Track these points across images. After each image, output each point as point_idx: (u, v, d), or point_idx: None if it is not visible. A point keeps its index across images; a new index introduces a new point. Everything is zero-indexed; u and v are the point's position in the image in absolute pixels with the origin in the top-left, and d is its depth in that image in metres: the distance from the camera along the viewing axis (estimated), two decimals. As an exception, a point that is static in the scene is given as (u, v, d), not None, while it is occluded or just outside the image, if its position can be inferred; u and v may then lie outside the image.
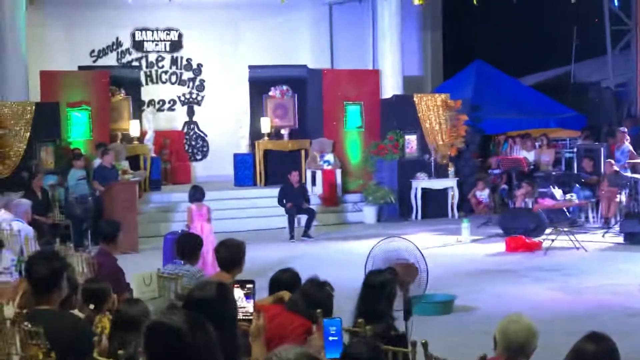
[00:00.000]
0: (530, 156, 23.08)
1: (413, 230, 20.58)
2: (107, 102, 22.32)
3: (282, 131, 24.60)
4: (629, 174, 20.87)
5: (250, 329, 4.72)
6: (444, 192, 23.46)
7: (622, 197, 20.48)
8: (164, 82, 25.89)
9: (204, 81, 26.17)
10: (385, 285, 6.90)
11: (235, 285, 4.79)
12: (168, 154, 24.65)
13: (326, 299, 6.82)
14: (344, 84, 24.11)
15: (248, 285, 4.76)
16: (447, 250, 17.91)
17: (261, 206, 21.81)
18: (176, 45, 26.11)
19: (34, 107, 20.50)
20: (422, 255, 7.78)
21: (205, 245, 12.80)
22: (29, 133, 20.28)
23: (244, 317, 4.69)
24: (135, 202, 19.28)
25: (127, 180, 19.66)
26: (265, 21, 26.36)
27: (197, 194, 15.73)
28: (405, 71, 26.04)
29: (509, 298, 13.14)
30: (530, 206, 20.63)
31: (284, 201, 20.12)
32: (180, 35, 26.12)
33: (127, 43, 25.70)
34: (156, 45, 25.96)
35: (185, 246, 9.25)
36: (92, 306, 7.17)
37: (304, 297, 6.59)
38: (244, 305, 4.72)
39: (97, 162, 20.14)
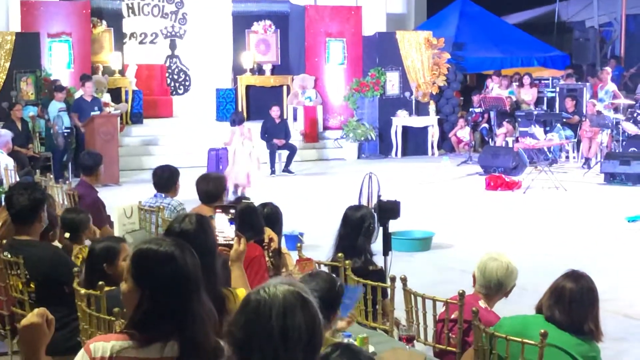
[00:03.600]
0: (505, 94, 23.06)
1: (393, 167, 20.65)
2: (88, 33, 22.09)
3: (265, 67, 24.51)
4: (611, 114, 20.90)
5: (230, 253, 4.76)
6: (424, 130, 23.50)
7: (603, 138, 20.55)
8: (146, 15, 25.60)
9: (186, 14, 25.92)
10: (364, 221, 6.93)
11: (218, 210, 4.82)
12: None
13: (259, 216, 6.84)
14: (327, 20, 23.98)
15: (231, 210, 4.79)
16: (426, 188, 17.96)
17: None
18: (158, -23, 25.83)
19: (14, 37, 20.31)
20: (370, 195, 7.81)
21: (243, 160, 16.70)
22: (8, 63, 20.08)
23: (225, 243, 4.73)
24: (117, 135, 19.20)
25: (108, 112, 19.58)
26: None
27: (238, 118, 17.66)
28: (388, 8, 25.87)
29: (487, 236, 13.22)
30: (510, 145, 20.70)
31: (266, 136, 20.16)
32: (162, -33, 25.84)
33: (108, -26, 25.42)
34: (138, -24, 25.69)
35: (162, 179, 9.21)
36: (67, 235, 7.16)
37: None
38: (227, 230, 4.75)
39: (78, 93, 20.02)
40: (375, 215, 7.43)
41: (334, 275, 5.58)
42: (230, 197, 15.56)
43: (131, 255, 3.51)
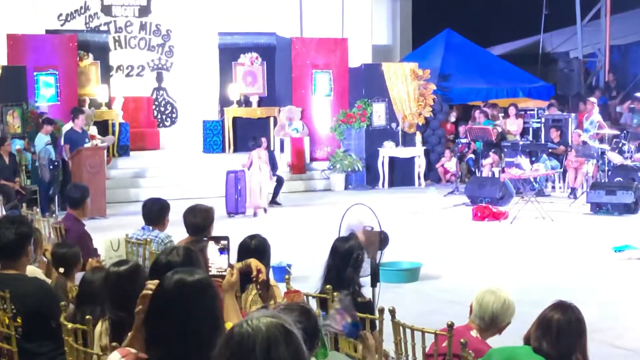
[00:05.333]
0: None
1: (380, 198, 20.66)
2: (75, 66, 22.11)
3: (251, 98, 24.56)
4: (596, 144, 20.99)
5: (222, 284, 4.77)
6: (410, 160, 23.55)
7: (589, 168, 20.62)
8: (132, 48, 25.67)
9: (173, 47, 26.00)
10: (352, 252, 6.92)
11: (210, 240, 4.83)
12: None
13: None
14: (313, 52, 24.09)
15: (222, 242, 4.80)
16: (414, 218, 17.97)
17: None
18: (145, 10, 25.88)
19: (0, 70, 20.30)
20: (379, 223, 7.79)
21: (259, 182, 18.62)
22: (-5, 96, 20.09)
23: (217, 273, 4.74)
24: (104, 168, 19.17)
25: (95, 145, 19.55)
26: (235, -13, 26.17)
27: (256, 143, 19.33)
28: (374, 40, 25.99)
29: (475, 267, 13.21)
30: (497, 175, 20.75)
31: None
32: (148, 1, 25.87)
33: (95, 7, 25.44)
34: (125, 9, 25.70)
35: (152, 212, 9.18)
36: (61, 270, 7.14)
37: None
38: (218, 260, 4.76)
39: (66, 126, 20.00)
40: (382, 244, 7.44)
41: (306, 305, 5.57)
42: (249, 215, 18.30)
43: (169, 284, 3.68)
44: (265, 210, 18.94)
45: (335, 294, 6.46)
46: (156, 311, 3.62)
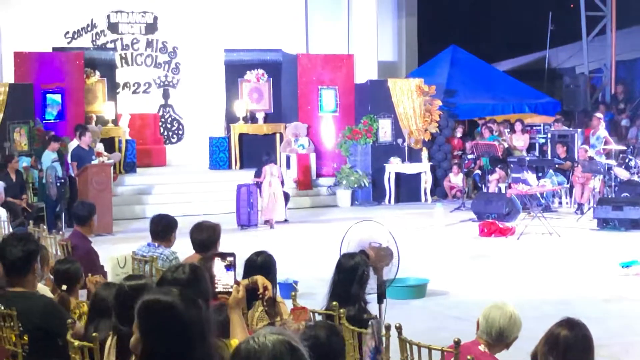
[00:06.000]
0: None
1: (386, 214, 20.64)
2: (82, 84, 22.16)
3: (258, 115, 24.58)
4: (603, 159, 20.97)
5: (229, 300, 4.77)
6: (417, 176, 23.53)
7: (596, 183, 20.59)
8: (139, 65, 25.71)
9: (179, 64, 26.04)
10: (357, 269, 6.91)
11: (216, 257, 4.83)
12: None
13: None
14: (319, 68, 24.13)
15: (229, 258, 4.80)
16: (420, 234, 17.95)
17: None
18: (151, 28, 25.94)
19: (7, 88, 20.35)
20: (394, 239, 7.78)
21: (272, 194, 19.21)
22: (2, 114, 20.09)
23: (223, 290, 4.74)
24: (110, 184, 19.20)
25: (101, 162, 19.59)
26: (242, 4, 26.19)
27: (270, 158, 20.18)
28: (380, 56, 25.99)
29: (482, 283, 13.20)
30: (503, 191, 20.73)
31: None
32: (155, 18, 25.93)
33: (102, 25, 25.50)
34: (131, 27, 25.76)
35: (158, 227, 9.18)
36: (64, 287, 7.14)
37: None
38: (224, 277, 4.76)
39: (72, 144, 20.04)
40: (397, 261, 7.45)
41: (334, 324, 5.55)
42: (261, 227, 19.08)
43: (139, 306, 3.53)
44: (272, 226, 19.08)
45: (341, 310, 6.46)
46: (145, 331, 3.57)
